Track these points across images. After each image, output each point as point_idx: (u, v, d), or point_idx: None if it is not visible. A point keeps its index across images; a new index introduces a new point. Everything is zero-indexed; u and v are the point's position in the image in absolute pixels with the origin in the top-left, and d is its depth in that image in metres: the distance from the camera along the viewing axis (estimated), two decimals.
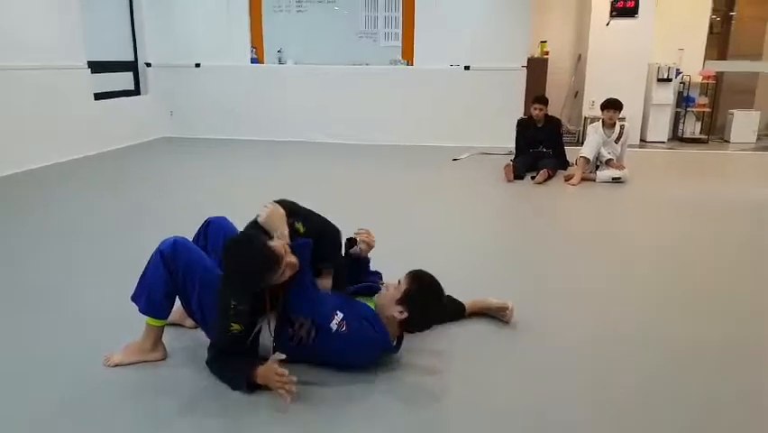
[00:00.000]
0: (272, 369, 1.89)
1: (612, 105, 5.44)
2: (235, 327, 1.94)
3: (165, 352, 2.20)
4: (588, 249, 3.64)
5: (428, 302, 2.09)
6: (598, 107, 5.67)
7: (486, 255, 3.53)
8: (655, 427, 1.84)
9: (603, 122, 5.52)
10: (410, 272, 2.12)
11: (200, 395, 1.98)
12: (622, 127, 5.52)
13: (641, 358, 2.26)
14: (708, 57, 8.20)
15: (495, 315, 2.57)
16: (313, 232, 2.17)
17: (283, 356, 1.92)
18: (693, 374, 2.15)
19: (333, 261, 2.27)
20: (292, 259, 1.95)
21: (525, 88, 7.19)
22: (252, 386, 1.96)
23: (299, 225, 2.13)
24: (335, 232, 2.28)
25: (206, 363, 2.08)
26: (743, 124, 8.03)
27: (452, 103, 7.30)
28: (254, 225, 2.10)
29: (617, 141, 5.50)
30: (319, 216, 2.28)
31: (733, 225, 4.17)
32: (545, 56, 8.20)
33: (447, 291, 2.18)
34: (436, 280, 2.11)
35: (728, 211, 4.50)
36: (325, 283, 2.22)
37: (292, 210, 2.15)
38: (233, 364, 2.02)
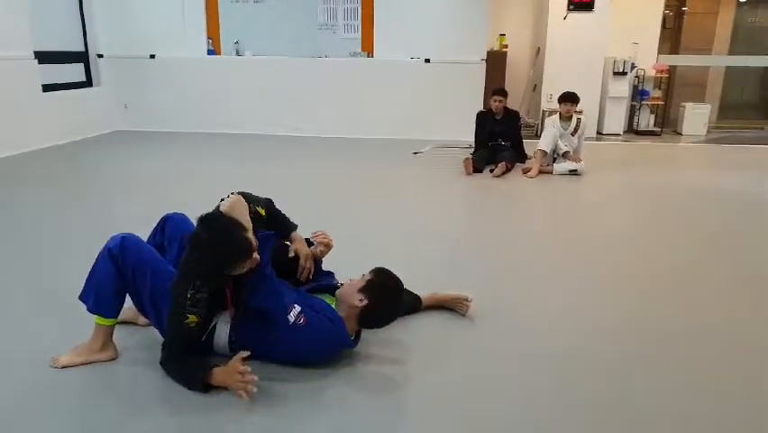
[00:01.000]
0: (235, 367, 1.85)
1: (569, 98, 5.53)
2: (192, 318, 1.90)
3: (116, 351, 2.13)
4: (546, 239, 3.70)
5: (389, 294, 2.12)
6: (556, 100, 5.76)
7: (446, 248, 3.54)
8: (619, 408, 1.88)
9: (560, 115, 5.61)
10: (375, 268, 2.17)
11: (155, 395, 1.93)
12: (579, 120, 5.62)
13: (599, 344, 2.31)
14: (661, 51, 8.43)
15: (452, 307, 2.58)
16: (270, 213, 2.22)
17: (247, 353, 1.88)
18: (653, 360, 2.21)
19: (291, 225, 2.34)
20: (257, 256, 1.94)
21: (484, 82, 7.25)
22: (208, 387, 1.92)
23: (260, 209, 2.15)
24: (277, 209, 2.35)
25: (160, 363, 2.02)
26: (694, 116, 8.30)
27: (413, 96, 7.30)
28: (218, 215, 2.05)
29: (573, 133, 5.60)
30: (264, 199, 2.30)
31: (686, 212, 4.32)
32: (504, 49, 8.28)
33: (407, 284, 2.20)
34: (398, 278, 2.15)
35: (682, 200, 4.66)
36: (299, 246, 2.31)
37: (250, 198, 2.15)
38: (189, 364, 1.97)
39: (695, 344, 2.34)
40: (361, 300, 2.06)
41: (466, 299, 2.56)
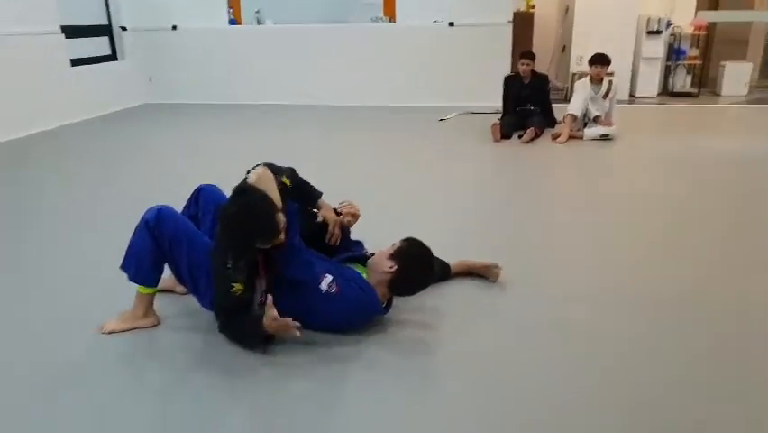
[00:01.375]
0: (271, 314, 1.88)
1: (600, 60, 5.37)
2: (237, 286, 1.94)
3: (157, 318, 2.21)
4: (576, 207, 3.65)
5: (418, 260, 2.13)
6: (586, 63, 5.60)
7: (474, 215, 3.53)
8: (646, 377, 1.87)
9: (591, 78, 5.45)
10: (405, 238, 2.18)
11: (195, 360, 2.00)
12: (610, 83, 5.46)
13: (629, 313, 2.29)
14: (699, 7, 8.08)
15: (482, 274, 2.58)
16: (294, 183, 2.22)
17: (270, 298, 1.90)
18: (686, 327, 2.18)
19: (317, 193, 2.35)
20: (285, 231, 1.96)
21: (511, 44, 7.07)
22: (266, 340, 1.97)
23: (285, 180, 2.16)
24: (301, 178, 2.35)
25: (219, 330, 2.08)
26: (734, 76, 7.94)
27: (437, 61, 7.17)
28: (244, 187, 2.07)
29: (604, 97, 5.45)
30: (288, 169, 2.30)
31: (725, 179, 4.18)
32: (531, 10, 8.05)
33: (435, 252, 2.20)
34: (427, 247, 2.16)
35: (720, 165, 4.50)
36: (327, 213, 2.32)
37: (274, 169, 2.16)
38: (244, 324, 2.01)
39: (728, 316, 2.30)
40: (391, 267, 2.08)
41: (496, 266, 2.56)
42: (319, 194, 2.37)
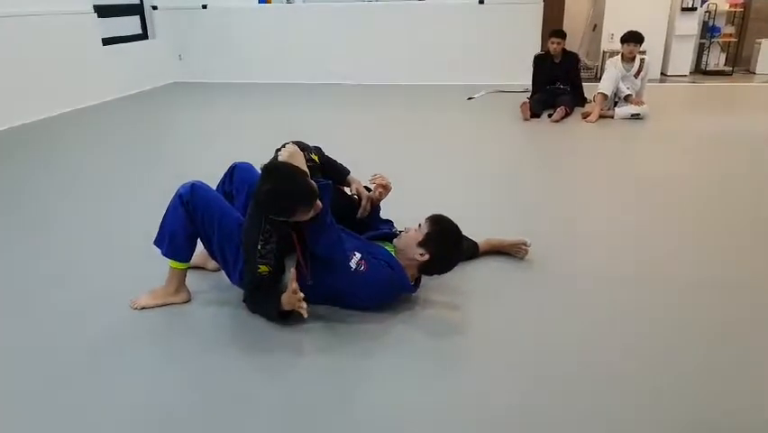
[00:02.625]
0: (292, 289, 1.92)
1: (633, 38, 5.24)
2: (263, 268, 1.99)
3: (189, 294, 2.26)
4: (606, 188, 3.60)
5: (449, 245, 2.12)
6: (618, 41, 5.47)
7: (503, 194, 3.51)
8: (673, 363, 1.87)
9: (622, 56, 5.33)
10: (431, 216, 2.15)
11: (227, 335, 2.05)
12: (642, 61, 5.33)
13: (661, 294, 2.27)
14: None
15: (510, 252, 2.59)
16: (323, 160, 2.31)
17: (293, 272, 1.93)
18: (714, 312, 2.16)
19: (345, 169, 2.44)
20: (319, 202, 1.98)
21: (541, 22, 6.94)
22: (284, 315, 2.02)
23: (314, 156, 2.20)
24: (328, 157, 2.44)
25: (243, 300, 2.14)
26: None
27: (467, 39, 7.08)
28: (275, 164, 2.11)
29: (636, 75, 5.33)
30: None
31: (760, 161, 4.07)
32: None
33: (464, 230, 2.19)
34: (456, 225, 2.14)
35: (756, 147, 4.38)
36: (359, 187, 2.41)
37: (303, 146, 2.19)
38: (264, 298, 2.07)
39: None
40: (422, 255, 2.08)
41: (524, 244, 2.56)
42: (347, 171, 2.41)
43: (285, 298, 1.97)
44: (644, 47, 5.47)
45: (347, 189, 2.47)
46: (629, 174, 3.83)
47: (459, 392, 1.73)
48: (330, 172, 2.30)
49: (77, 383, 1.80)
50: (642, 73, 5.34)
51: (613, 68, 5.33)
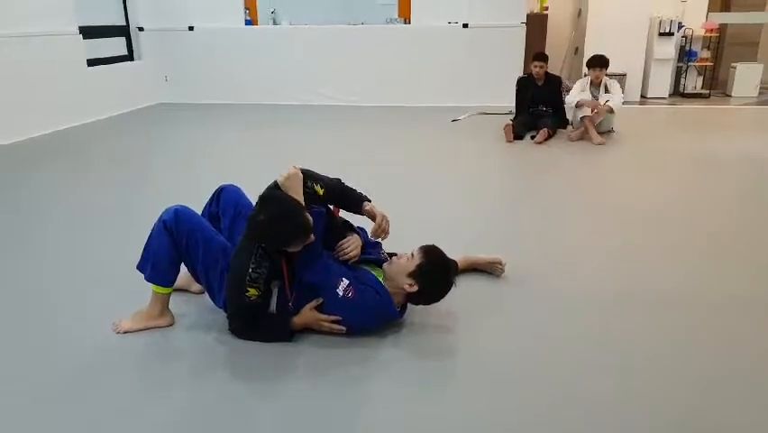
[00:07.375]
0: (314, 315, 2.06)
1: (598, 63, 5.37)
2: (252, 291, 1.99)
3: (173, 317, 2.24)
4: (588, 206, 3.65)
5: (439, 280, 2.12)
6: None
7: (485, 214, 3.54)
8: (660, 381, 1.89)
9: (591, 81, 5.48)
10: (424, 247, 2.14)
11: (211, 359, 2.03)
12: (606, 84, 5.48)
13: (641, 313, 2.30)
14: (711, 9, 8.03)
15: (486, 269, 2.62)
16: (332, 193, 2.21)
17: (320, 300, 2.06)
18: (696, 329, 2.19)
19: (360, 198, 2.29)
20: (313, 236, 2.00)
21: (524, 46, 7.08)
22: (292, 333, 2.09)
23: (318, 188, 2.16)
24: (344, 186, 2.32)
25: (232, 331, 2.13)
26: (745, 77, 7.92)
27: (451, 62, 7.19)
28: (276, 187, 2.10)
29: (605, 93, 5.46)
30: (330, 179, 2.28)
31: (736, 179, 4.17)
32: (545, 12, 8.04)
33: (444, 248, 2.18)
34: (447, 259, 2.14)
35: (732, 167, 4.49)
36: (371, 209, 2.27)
37: (310, 175, 2.17)
38: (269, 321, 2.10)
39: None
40: (411, 285, 2.08)
41: (500, 263, 2.59)
42: (362, 199, 2.29)
43: (301, 318, 2.07)
44: (624, 70, 5.60)
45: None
46: (610, 194, 3.90)
47: (448, 415, 1.73)
48: (343, 202, 2.26)
49: (50, 414, 1.76)
50: (609, 89, 5.43)
51: (580, 88, 5.51)
